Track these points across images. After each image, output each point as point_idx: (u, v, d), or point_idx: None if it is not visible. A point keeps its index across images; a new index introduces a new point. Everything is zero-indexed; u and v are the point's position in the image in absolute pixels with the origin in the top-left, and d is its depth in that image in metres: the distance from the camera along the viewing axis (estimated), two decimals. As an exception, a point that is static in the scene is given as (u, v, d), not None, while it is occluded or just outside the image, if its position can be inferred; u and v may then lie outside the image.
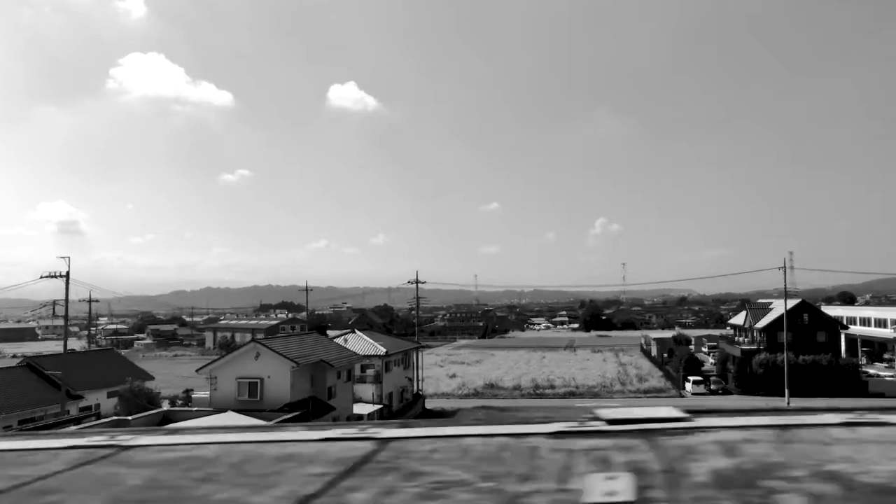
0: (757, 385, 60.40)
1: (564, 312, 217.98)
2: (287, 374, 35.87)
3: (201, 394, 38.23)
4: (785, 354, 55.55)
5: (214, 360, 37.37)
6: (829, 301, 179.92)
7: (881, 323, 79.56)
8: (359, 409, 44.65)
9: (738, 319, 76.36)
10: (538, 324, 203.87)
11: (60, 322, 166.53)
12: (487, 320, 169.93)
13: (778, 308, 65.74)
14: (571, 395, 63.99)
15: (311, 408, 35.76)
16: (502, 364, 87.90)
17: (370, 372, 47.64)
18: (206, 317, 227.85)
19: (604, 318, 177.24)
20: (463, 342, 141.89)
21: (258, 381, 36.07)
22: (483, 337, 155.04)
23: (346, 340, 46.67)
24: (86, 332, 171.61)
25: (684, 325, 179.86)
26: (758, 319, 66.65)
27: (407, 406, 53.24)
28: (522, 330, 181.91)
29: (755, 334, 66.69)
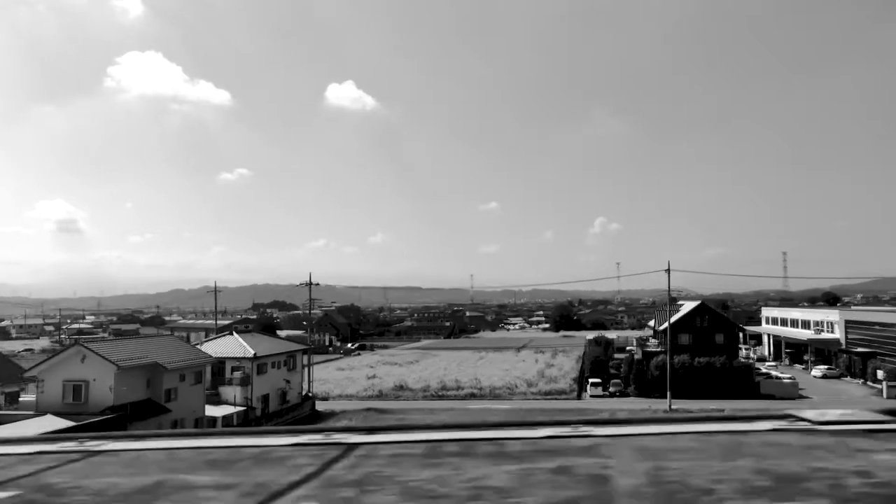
0: (653, 387, 60.35)
1: (541, 312, 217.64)
2: (111, 377, 36.36)
3: (30, 396, 38.71)
4: (667, 357, 55.57)
5: (41, 362, 37.87)
6: (813, 302, 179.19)
7: (807, 325, 79.30)
8: (215, 411, 45.08)
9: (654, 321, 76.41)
10: (514, 324, 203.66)
11: (34, 321, 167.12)
12: (455, 320, 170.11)
13: (683, 310, 65.74)
14: (472, 396, 64.16)
15: (131, 411, 36.17)
16: (432, 365, 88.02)
17: (237, 374, 48.02)
18: (190, 315, 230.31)
19: (574, 318, 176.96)
20: (426, 342, 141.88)
21: (83, 383, 36.54)
22: (448, 337, 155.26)
23: (199, 344, 47.05)
24: (57, 332, 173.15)
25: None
26: (664, 321, 66.60)
27: (290, 408, 53.58)
28: (494, 330, 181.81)
29: (661, 336, 66.69)
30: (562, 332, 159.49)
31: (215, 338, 52.42)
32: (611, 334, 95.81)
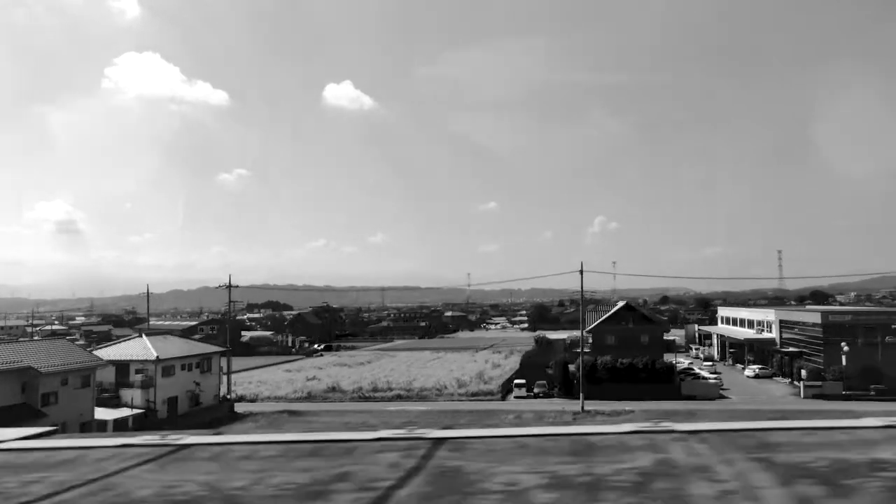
0: (576, 388, 59.98)
1: (524, 312, 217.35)
2: (-23, 382, 36.39)
3: None
4: (580, 358, 55.27)
5: (-89, 368, 37.90)
6: (802, 300, 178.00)
7: (751, 325, 78.71)
8: (110, 414, 45.10)
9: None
10: (497, 323, 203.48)
11: (15, 322, 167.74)
12: (432, 321, 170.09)
13: (612, 311, 65.37)
14: (399, 398, 63.98)
15: (-3, 415, 36.15)
16: (383, 366, 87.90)
17: (138, 377, 48.05)
18: (185, 315, 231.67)
19: (554, 317, 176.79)
20: (398, 342, 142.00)
21: (-51, 388, 36.60)
22: (423, 337, 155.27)
23: (96, 348, 47.04)
24: (33, 333, 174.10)
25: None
26: (594, 322, 66.24)
27: (202, 410, 53.52)
28: (473, 330, 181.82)
29: (592, 336, 66.30)
30: (538, 332, 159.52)
31: (121, 340, 52.47)
32: (556, 334, 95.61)
